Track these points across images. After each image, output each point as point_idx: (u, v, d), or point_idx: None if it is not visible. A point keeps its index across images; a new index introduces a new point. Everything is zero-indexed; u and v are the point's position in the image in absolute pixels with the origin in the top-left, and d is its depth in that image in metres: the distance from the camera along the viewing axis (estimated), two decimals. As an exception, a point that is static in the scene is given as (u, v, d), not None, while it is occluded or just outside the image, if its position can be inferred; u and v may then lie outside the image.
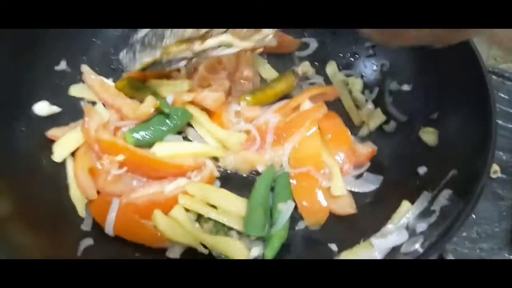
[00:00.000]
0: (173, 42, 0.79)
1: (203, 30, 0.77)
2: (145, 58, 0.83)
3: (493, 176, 1.06)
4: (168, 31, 0.78)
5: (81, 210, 0.76)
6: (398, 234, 0.67)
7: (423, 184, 0.75)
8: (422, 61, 0.88)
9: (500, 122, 1.17)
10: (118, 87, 0.90)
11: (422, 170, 0.78)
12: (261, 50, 0.83)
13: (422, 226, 0.66)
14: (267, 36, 0.78)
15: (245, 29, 0.77)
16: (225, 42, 0.78)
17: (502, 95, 1.22)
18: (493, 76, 1.24)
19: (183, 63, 0.82)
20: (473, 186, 0.62)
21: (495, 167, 1.07)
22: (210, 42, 0.79)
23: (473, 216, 1.00)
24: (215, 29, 0.77)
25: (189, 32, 0.77)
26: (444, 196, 0.67)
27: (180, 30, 0.77)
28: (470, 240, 0.93)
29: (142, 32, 0.83)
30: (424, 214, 0.69)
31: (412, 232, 0.67)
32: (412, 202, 0.72)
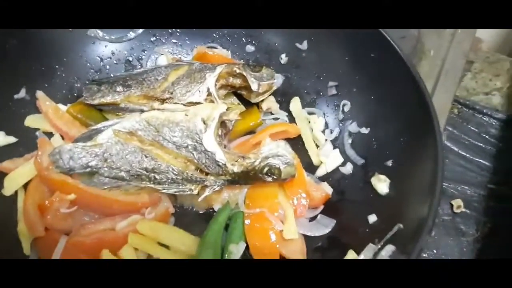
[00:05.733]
0: (138, 94, 0.82)
1: (167, 95, 0.86)
2: (107, 97, 0.86)
3: (457, 211, 1.07)
4: (136, 87, 0.86)
5: (27, 248, 0.75)
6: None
7: (371, 233, 0.75)
8: (383, 106, 0.89)
9: (467, 155, 1.18)
10: (71, 111, 0.89)
11: (372, 218, 0.78)
12: None
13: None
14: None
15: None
16: (181, 109, 0.86)
17: (472, 127, 1.23)
18: (464, 108, 1.25)
19: (137, 113, 0.85)
20: (414, 247, 0.63)
21: (458, 202, 1.08)
22: (168, 106, 0.86)
23: (434, 251, 1.01)
24: (176, 97, 0.86)
25: (155, 92, 0.85)
26: (387, 252, 0.68)
27: (147, 89, 0.85)
28: (429, 277, 0.94)
29: (114, 77, 0.89)
30: (367, 268, 0.69)
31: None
32: (359, 252, 0.73)
